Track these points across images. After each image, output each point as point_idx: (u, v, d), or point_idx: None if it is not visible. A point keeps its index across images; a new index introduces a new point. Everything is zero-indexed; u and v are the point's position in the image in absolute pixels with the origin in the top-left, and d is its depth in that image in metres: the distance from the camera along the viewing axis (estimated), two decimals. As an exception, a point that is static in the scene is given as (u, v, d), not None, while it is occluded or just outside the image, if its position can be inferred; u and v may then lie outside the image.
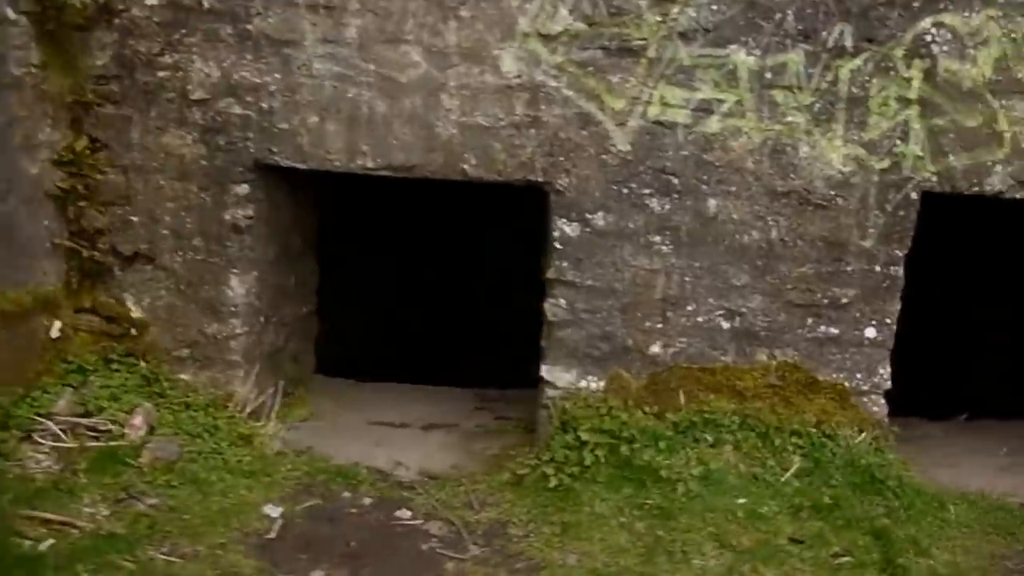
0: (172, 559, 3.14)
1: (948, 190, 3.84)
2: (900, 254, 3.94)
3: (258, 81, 3.92)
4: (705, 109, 3.83)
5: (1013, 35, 3.68)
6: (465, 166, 3.94)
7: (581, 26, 3.77)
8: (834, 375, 4.05)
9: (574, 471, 3.80)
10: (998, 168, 3.80)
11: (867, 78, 3.77)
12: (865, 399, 4.05)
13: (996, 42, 3.68)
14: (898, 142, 3.82)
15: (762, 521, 3.48)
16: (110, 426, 3.80)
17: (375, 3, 3.82)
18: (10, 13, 3.59)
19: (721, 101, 3.81)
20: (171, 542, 3.26)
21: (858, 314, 3.98)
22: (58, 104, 3.88)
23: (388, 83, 3.87)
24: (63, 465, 3.59)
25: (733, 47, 3.77)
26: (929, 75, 3.75)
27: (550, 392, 4.12)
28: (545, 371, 4.12)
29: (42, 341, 3.86)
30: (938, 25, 3.69)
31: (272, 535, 3.59)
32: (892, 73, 3.75)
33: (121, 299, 4.12)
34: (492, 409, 5.07)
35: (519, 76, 3.83)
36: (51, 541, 2.99)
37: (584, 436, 3.84)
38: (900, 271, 3.96)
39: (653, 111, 3.83)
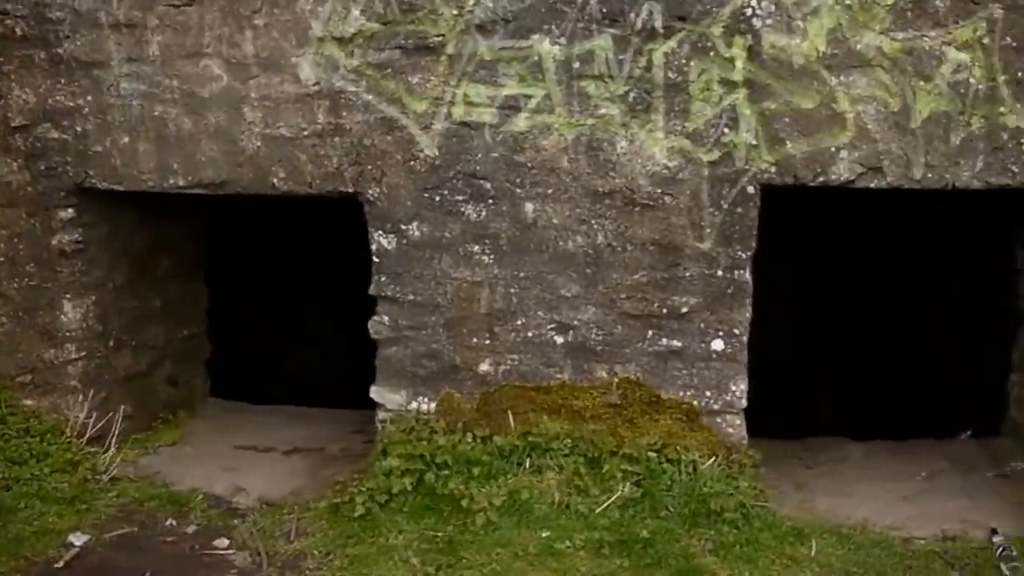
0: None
1: (790, 182, 3.48)
2: (744, 256, 3.59)
3: (71, 105, 3.97)
4: (512, 106, 3.62)
5: (848, 1, 3.22)
6: (274, 180, 3.85)
7: (375, 26, 3.63)
8: (680, 393, 3.67)
9: (382, 500, 3.60)
10: (843, 154, 3.40)
11: (684, 61, 3.46)
12: (718, 419, 3.69)
13: (828, 11, 3.32)
14: (726, 130, 3.48)
15: (556, 558, 3.21)
16: None
17: (173, 18, 3.79)
18: None
19: (528, 96, 3.59)
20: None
21: (702, 324, 3.63)
22: None
23: (192, 99, 3.83)
24: None
25: (536, 37, 3.54)
26: (753, 53, 3.41)
27: (381, 414, 3.92)
28: (375, 392, 3.95)
29: None
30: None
31: (60, 564, 3.52)
32: (712, 54, 3.42)
33: None
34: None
35: (318, 83, 3.71)
36: None
37: (394, 463, 3.62)
38: (746, 275, 3.60)
39: (458, 112, 3.64)
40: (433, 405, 4.03)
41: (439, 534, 3.48)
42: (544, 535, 3.44)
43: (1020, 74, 3.37)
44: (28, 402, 4.39)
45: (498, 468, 3.74)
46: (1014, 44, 3.35)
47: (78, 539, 3.82)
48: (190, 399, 5.31)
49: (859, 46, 3.43)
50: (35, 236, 4.25)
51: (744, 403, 3.80)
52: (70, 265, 4.27)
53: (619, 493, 3.60)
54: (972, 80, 3.38)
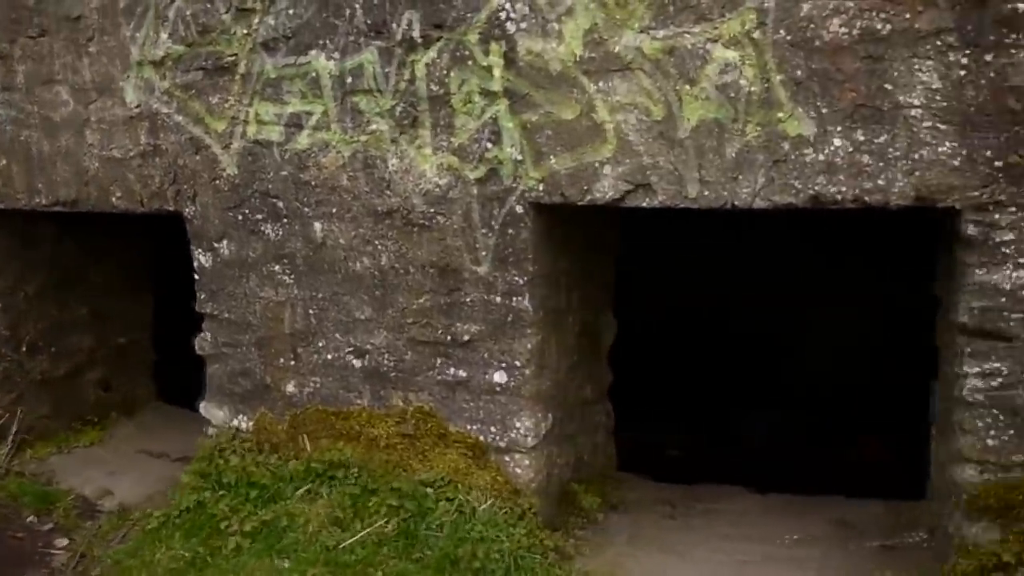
0: None
1: (558, 201, 3.24)
2: (520, 281, 3.40)
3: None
4: (295, 124, 3.68)
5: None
6: (112, 198, 4.16)
7: (180, 48, 3.85)
8: (467, 427, 3.55)
9: (173, 514, 3.72)
10: (606, 170, 3.11)
11: (445, 72, 3.35)
12: (505, 457, 3.50)
13: (583, 10, 3.10)
14: (489, 145, 3.33)
15: None
16: None
17: (31, 48, 4.20)
18: None
19: (309, 113, 3.64)
20: None
21: (486, 354, 3.51)
22: None
23: (48, 123, 4.23)
24: None
25: (313, 52, 3.59)
26: (510, 60, 3.25)
27: (209, 430, 4.05)
28: (202, 408, 4.11)
29: None
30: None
31: None
32: (470, 63, 3.29)
33: None
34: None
35: (139, 106, 3.99)
36: None
37: (186, 479, 3.74)
38: (524, 302, 3.41)
39: (251, 130, 3.77)
40: (251, 424, 4.07)
41: (190, 554, 3.50)
42: (284, 565, 3.38)
43: (799, 73, 2.90)
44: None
45: (277, 492, 3.78)
46: (789, 38, 2.88)
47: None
48: (130, 403, 5.71)
49: (617, 48, 3.12)
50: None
51: (532, 441, 3.55)
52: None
53: (374, 528, 3.44)
54: (743, 82, 2.96)
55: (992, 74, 2.73)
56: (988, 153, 2.78)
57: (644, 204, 3.23)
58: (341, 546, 3.50)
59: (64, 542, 4.31)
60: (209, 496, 3.81)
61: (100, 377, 5.59)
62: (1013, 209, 2.80)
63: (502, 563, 3.41)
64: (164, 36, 3.98)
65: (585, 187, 3.30)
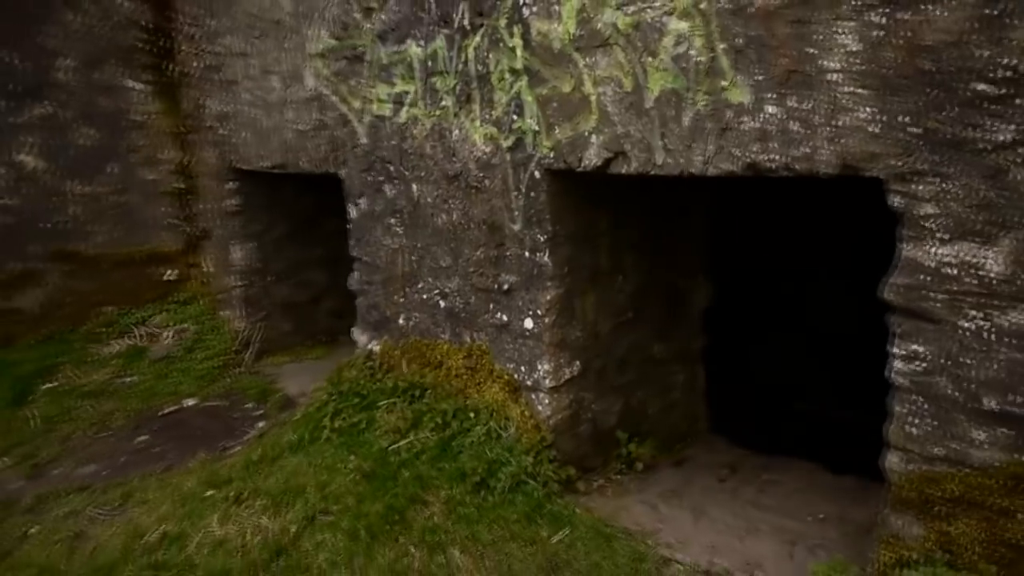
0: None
1: (563, 166, 3.73)
2: (541, 239, 3.92)
3: (227, 110, 6.07)
4: (399, 101, 4.57)
5: None
6: (301, 162, 5.41)
7: (333, 42, 4.91)
8: (508, 365, 4.24)
9: (305, 410, 4.93)
10: (593, 139, 3.56)
11: (486, 54, 4.01)
12: (532, 395, 4.11)
13: None
14: (515, 117, 3.92)
15: (329, 471, 4.22)
16: (159, 335, 6.37)
17: (258, 46, 5.57)
18: (130, 83, 6.43)
19: (406, 92, 4.50)
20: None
21: (520, 303, 4.14)
22: (170, 134, 6.60)
23: (266, 104, 5.65)
24: (119, 351, 6.30)
25: (408, 41, 4.43)
26: (526, 41, 3.81)
27: (356, 351, 5.20)
28: (352, 332, 5.23)
29: (155, 281, 6.67)
30: None
31: (161, 413, 5.69)
32: (501, 45, 3.92)
33: (203, 260, 6.66)
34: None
35: (312, 89, 5.10)
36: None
37: (321, 386, 4.94)
38: (545, 258, 3.95)
39: (374, 107, 4.74)
40: (379, 347, 5.05)
41: (297, 439, 4.62)
42: (350, 457, 4.32)
43: (739, 40, 3.01)
44: (223, 312, 6.64)
45: (371, 402, 4.72)
46: (730, 6, 3.01)
47: (188, 402, 5.87)
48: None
49: (599, 25, 3.46)
50: (221, 200, 6.43)
51: (550, 383, 4.03)
52: (234, 221, 6.35)
53: (419, 439, 4.23)
54: (692, 52, 3.15)
55: (907, 33, 2.57)
56: (906, 119, 2.63)
57: (623, 171, 3.50)
58: (390, 448, 4.33)
59: (261, 424, 5.71)
60: (327, 399, 4.88)
61: (332, 307, 7.05)
62: (935, 179, 2.61)
63: (503, 482, 3.97)
64: (324, 33, 5.04)
65: (580, 155, 3.65)
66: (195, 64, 6.63)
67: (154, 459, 5.10)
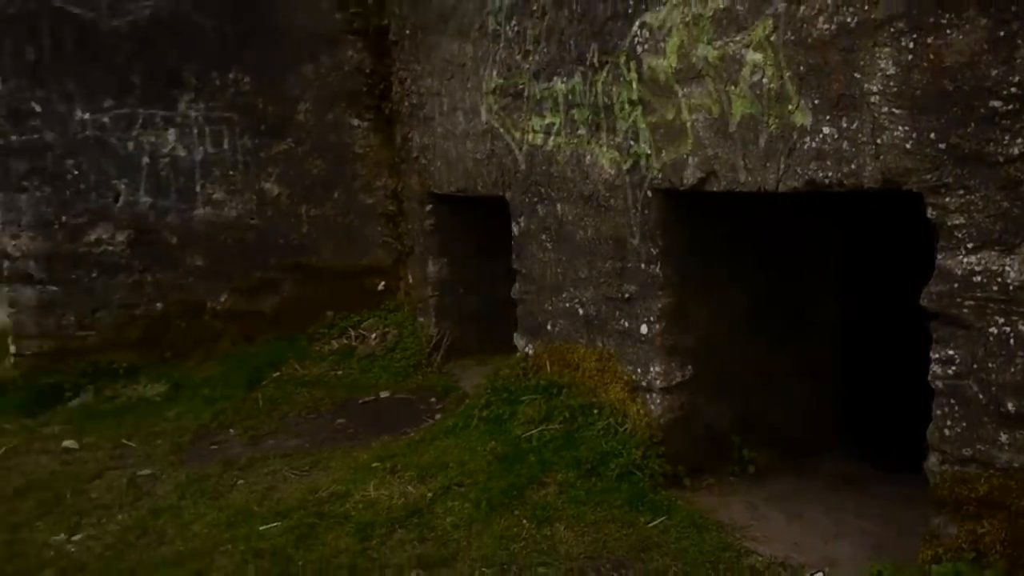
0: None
1: (668, 186, 4.27)
2: (654, 252, 4.46)
3: (427, 142, 7.06)
4: (548, 131, 5.30)
5: (687, 19, 4.00)
6: (478, 187, 6.29)
7: (501, 81, 5.73)
8: (628, 367, 4.77)
9: (469, 403, 5.80)
10: (689, 160, 4.07)
11: (611, 87, 4.62)
12: (647, 395, 4.64)
13: (676, 29, 4.09)
14: (632, 142, 4.47)
15: (471, 452, 5.02)
16: (368, 337, 7.59)
17: (448, 86, 6.57)
18: (354, 121, 7.75)
19: (553, 123, 5.20)
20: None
21: (639, 310, 4.68)
22: (385, 164, 7.85)
23: (454, 136, 6.61)
24: (334, 349, 7.57)
25: (555, 79, 5.18)
26: (640, 75, 4.37)
27: (517, 353, 6.00)
28: (515, 337, 6.00)
29: (368, 291, 7.93)
30: (641, 26, 4.30)
31: (359, 402, 6.76)
32: (622, 79, 4.52)
33: (407, 273, 7.78)
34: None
35: (486, 123, 5.98)
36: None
37: (481, 383, 5.78)
38: (657, 269, 4.47)
39: (529, 137, 5.51)
40: (532, 351, 5.74)
41: (452, 424, 5.43)
42: (485, 438, 5.04)
43: (801, 68, 3.37)
44: (420, 319, 7.67)
45: (517, 397, 5.36)
46: (793, 37, 3.38)
47: (383, 394, 6.91)
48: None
49: (694, 58, 3.91)
50: (421, 220, 7.47)
51: (661, 384, 4.48)
52: (430, 239, 7.35)
53: (548, 429, 4.84)
54: (765, 80, 3.53)
55: (932, 56, 2.78)
56: (933, 135, 2.83)
57: (714, 189, 3.88)
58: (523, 436, 4.94)
59: (439, 415, 6.56)
60: (483, 393, 5.60)
61: (514, 315, 7.79)
62: (961, 192, 2.78)
63: (612, 471, 4.44)
64: (495, 74, 5.83)
65: (680, 175, 4.07)
66: (404, 103, 7.75)
67: (347, 438, 6.11)
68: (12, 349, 7.55)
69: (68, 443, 6.22)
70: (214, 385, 7.28)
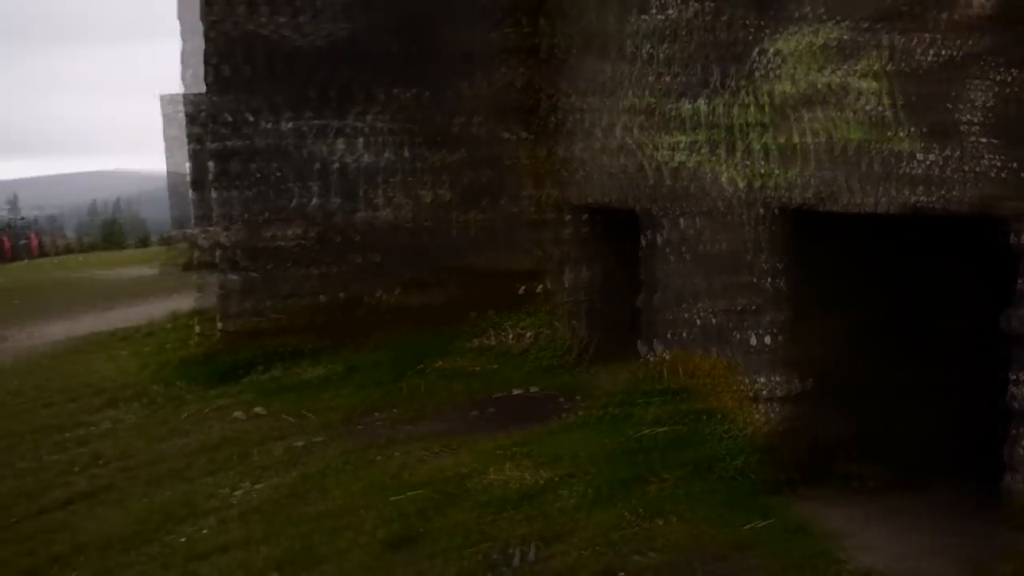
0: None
1: (785, 205, 4.55)
2: (772, 267, 4.72)
3: (577, 156, 7.53)
4: (677, 149, 5.64)
5: (805, 48, 4.28)
6: (613, 200, 6.71)
7: (638, 100, 6.16)
8: (747, 377, 5.06)
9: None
10: (808, 181, 4.35)
11: (735, 109, 4.94)
12: (761, 405, 4.91)
13: (794, 57, 4.39)
14: (753, 162, 4.81)
15: (589, 445, 5.40)
16: (511, 337, 8.15)
17: (589, 106, 7.00)
18: (509, 135, 8.36)
19: (680, 141, 5.55)
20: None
21: (758, 323, 4.98)
22: (534, 174, 8.40)
23: (602, 151, 6.98)
24: (480, 346, 8.17)
25: (685, 100, 5.62)
26: (759, 99, 4.67)
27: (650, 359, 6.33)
28: (639, 344, 6.37)
29: (514, 294, 8.50)
30: (764, 52, 4.60)
31: (500, 395, 7.31)
32: (745, 101, 4.82)
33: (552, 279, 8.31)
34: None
35: (622, 139, 6.42)
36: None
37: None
38: (774, 284, 4.72)
39: (659, 154, 5.89)
40: (656, 357, 6.06)
41: (573, 420, 5.81)
42: (606, 434, 5.45)
43: (906, 98, 3.55)
44: (561, 323, 8.10)
45: (636, 400, 5.71)
46: (905, 68, 3.58)
47: (516, 391, 7.37)
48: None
49: (810, 85, 4.15)
50: (565, 229, 7.91)
51: (775, 395, 4.69)
52: (573, 247, 7.77)
53: (660, 431, 5.17)
54: (872, 107, 3.74)
55: (1020, 88, 2.89)
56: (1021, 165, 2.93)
57: (829, 209, 4.08)
58: (638, 435, 5.27)
59: (565, 414, 6.95)
60: (610, 395, 5.98)
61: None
62: (1047, 219, 2.87)
63: (719, 473, 4.69)
64: (631, 94, 6.18)
65: (798, 195, 4.28)
66: (552, 119, 8.23)
67: (479, 427, 6.63)
68: (219, 326, 8.67)
69: (257, 409, 7.16)
70: (380, 369, 8.01)
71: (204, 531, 4.88)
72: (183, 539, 4.79)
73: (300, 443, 6.38)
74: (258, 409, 7.19)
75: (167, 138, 21.64)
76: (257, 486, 5.54)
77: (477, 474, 5.36)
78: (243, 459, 6.10)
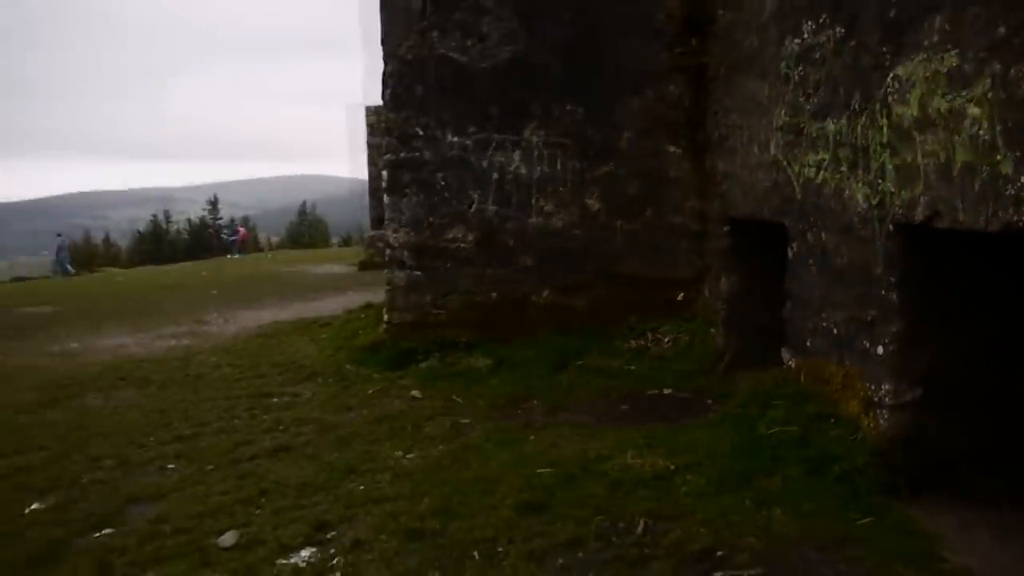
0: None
1: (905, 221, 4.90)
2: (892, 279, 5.08)
3: (728, 170, 7.99)
4: (818, 166, 6.03)
5: (927, 74, 4.66)
6: (765, 212, 7.13)
7: (787, 119, 6.56)
8: (866, 383, 5.41)
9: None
10: (921, 199, 4.70)
11: (867, 129, 5.30)
12: (877, 411, 5.25)
13: (919, 82, 4.73)
14: (880, 180, 5.14)
15: (702, 444, 5.91)
16: (662, 340, 8.72)
17: (747, 123, 7.44)
18: (670, 148, 8.93)
19: (823, 160, 5.94)
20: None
21: (878, 332, 5.31)
22: (693, 187, 8.92)
23: (749, 167, 7.43)
24: (631, 348, 8.79)
25: (827, 120, 5.93)
26: (890, 121, 5.03)
27: (791, 364, 6.76)
28: (782, 351, 6.79)
29: (668, 300, 9.05)
30: (894, 77, 4.96)
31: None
32: (876, 123, 5.19)
33: (705, 288, 8.75)
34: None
35: (774, 155, 6.84)
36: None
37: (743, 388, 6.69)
38: (893, 296, 5.08)
39: (805, 171, 6.25)
40: (793, 364, 6.40)
41: (709, 419, 6.26)
42: (734, 431, 5.91)
43: (1010, 124, 3.83)
44: (711, 330, 8.51)
45: (768, 402, 6.09)
46: (1005, 96, 3.85)
47: (666, 391, 7.90)
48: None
49: (929, 109, 4.46)
50: (719, 240, 8.32)
51: (890, 402, 4.97)
52: (725, 258, 8.17)
53: (785, 431, 5.55)
54: (981, 132, 4.02)
55: (1105, 121, 3.12)
56: (1103, 190, 3.14)
57: (939, 226, 4.31)
58: (765, 433, 5.63)
59: (710, 414, 7.35)
60: (746, 398, 6.35)
61: (801, 339, 8.28)
62: (1123, 241, 3.07)
63: (834, 473, 4.99)
64: (783, 112, 6.51)
65: (913, 212, 4.52)
66: (715, 134, 8.63)
67: (624, 420, 7.20)
68: (385, 318, 9.79)
69: (415, 393, 8.15)
70: (528, 364, 8.82)
71: (379, 483, 5.83)
72: (361, 487, 5.75)
73: (465, 421, 7.23)
74: (429, 392, 8.19)
75: (370, 146, 23.68)
76: (424, 452, 6.45)
77: (613, 457, 5.95)
78: (415, 430, 7.03)
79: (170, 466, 6.46)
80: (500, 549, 4.73)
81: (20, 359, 11.86)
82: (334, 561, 4.67)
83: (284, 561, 4.70)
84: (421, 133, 9.48)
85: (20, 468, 6.61)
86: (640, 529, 4.87)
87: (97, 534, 5.24)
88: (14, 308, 17.72)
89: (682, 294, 9.42)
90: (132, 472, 6.38)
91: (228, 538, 4.95)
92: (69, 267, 36.25)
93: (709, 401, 7.75)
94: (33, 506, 5.78)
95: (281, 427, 7.33)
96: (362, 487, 5.74)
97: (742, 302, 8.35)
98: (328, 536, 4.99)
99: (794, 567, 4.47)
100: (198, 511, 5.44)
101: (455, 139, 9.44)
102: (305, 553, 4.78)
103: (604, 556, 4.64)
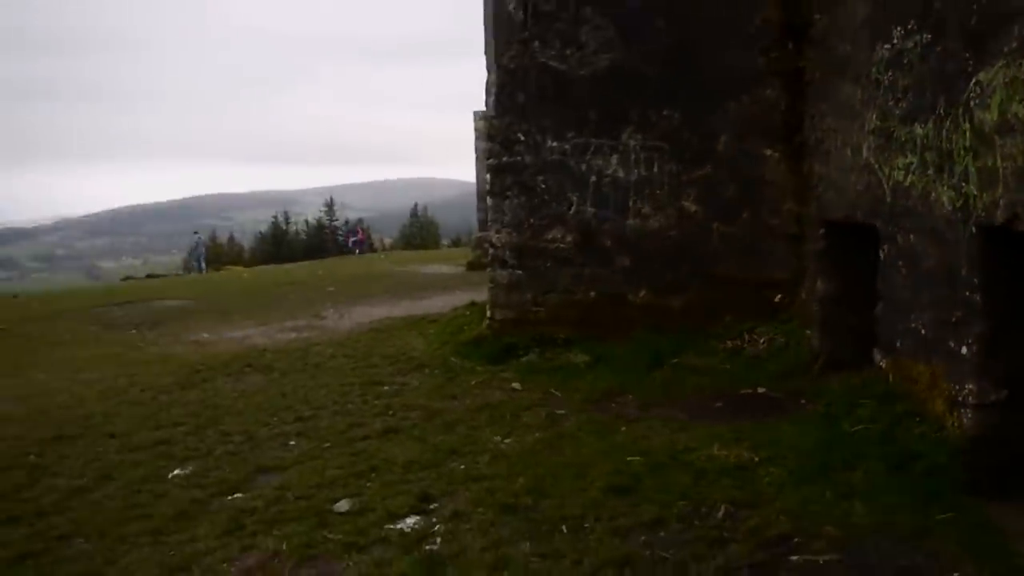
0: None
1: (987, 223, 5.06)
2: (975, 281, 5.23)
3: (822, 170, 8.15)
4: (907, 170, 6.19)
5: (1008, 79, 4.82)
6: (858, 215, 7.30)
7: (878, 123, 6.72)
8: (951, 384, 5.56)
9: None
10: (1001, 201, 4.86)
11: (952, 133, 5.46)
12: (961, 410, 5.39)
13: (999, 88, 4.89)
14: (963, 183, 5.29)
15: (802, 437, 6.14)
16: (758, 341, 8.92)
17: (841, 127, 7.60)
18: (767, 151, 9.10)
19: (911, 163, 6.10)
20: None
21: (962, 333, 5.44)
22: (790, 190, 9.08)
23: (841, 170, 7.59)
24: (726, 347, 9.02)
25: (915, 124, 6.08)
26: (972, 125, 5.18)
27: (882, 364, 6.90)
28: (874, 351, 6.94)
29: (765, 301, 9.23)
30: (976, 82, 5.12)
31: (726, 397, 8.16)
32: (959, 127, 5.34)
33: (802, 289, 8.88)
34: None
35: (866, 159, 7.00)
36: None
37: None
38: (977, 297, 5.22)
39: (894, 174, 6.41)
40: (884, 363, 6.53)
41: (794, 416, 6.47)
42: (816, 427, 6.12)
43: None
44: (807, 331, 8.62)
45: (855, 400, 6.26)
46: None
47: (760, 389, 8.09)
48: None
49: (1008, 114, 4.59)
50: (816, 242, 8.42)
51: (973, 402, 5.10)
52: (821, 260, 8.27)
53: (874, 427, 5.72)
54: None
55: None
56: None
57: (1019, 229, 4.41)
58: (849, 430, 5.80)
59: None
60: (831, 394, 6.49)
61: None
62: None
63: (916, 470, 5.14)
64: (874, 117, 6.61)
65: (995, 214, 4.63)
66: (811, 137, 8.73)
67: (716, 416, 7.44)
68: (488, 315, 10.29)
69: (515, 385, 8.62)
70: (624, 361, 9.14)
71: (478, 463, 6.31)
72: (462, 467, 6.25)
73: (561, 412, 7.63)
74: (527, 385, 8.62)
75: (478, 150, 24.39)
76: (521, 438, 6.88)
77: (700, 449, 6.23)
78: (514, 418, 7.49)
79: (291, 443, 7.17)
80: (587, 525, 5.13)
81: (159, 347, 13.05)
82: (436, 528, 5.19)
83: (392, 526, 5.26)
84: (522, 138, 9.92)
85: (162, 440, 7.47)
86: (721, 514, 5.15)
87: (230, 497, 5.95)
88: (152, 302, 19.29)
89: (779, 296, 9.52)
90: (259, 446, 7.12)
91: (342, 505, 5.54)
92: (203, 264, 38.44)
93: (803, 401, 7.86)
94: (175, 472, 6.58)
95: (390, 412, 7.94)
96: (463, 466, 6.25)
97: (837, 304, 8.41)
98: (431, 507, 5.52)
99: (869, 556, 4.66)
100: (316, 482, 6.08)
101: (554, 144, 9.84)
102: (410, 520, 5.32)
103: (685, 536, 4.96)
